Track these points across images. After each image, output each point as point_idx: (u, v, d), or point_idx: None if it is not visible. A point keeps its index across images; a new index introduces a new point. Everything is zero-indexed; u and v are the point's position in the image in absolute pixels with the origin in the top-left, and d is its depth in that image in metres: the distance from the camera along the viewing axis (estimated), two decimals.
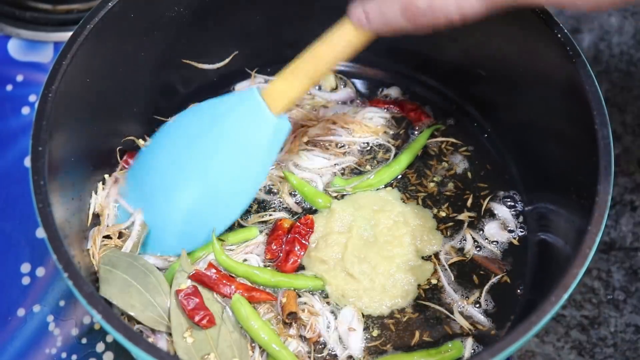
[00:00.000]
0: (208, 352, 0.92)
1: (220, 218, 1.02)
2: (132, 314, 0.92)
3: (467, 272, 1.02)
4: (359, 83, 1.20)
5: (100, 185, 1.04)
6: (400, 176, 1.10)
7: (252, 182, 1.01)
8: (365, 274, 0.99)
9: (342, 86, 1.19)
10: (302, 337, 0.96)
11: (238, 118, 0.99)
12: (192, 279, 0.96)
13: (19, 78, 1.24)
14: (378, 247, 1.02)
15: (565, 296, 0.79)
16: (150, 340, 0.92)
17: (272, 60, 1.16)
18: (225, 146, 1.00)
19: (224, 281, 0.97)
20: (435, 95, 1.17)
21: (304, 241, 1.02)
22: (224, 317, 0.95)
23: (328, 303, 0.99)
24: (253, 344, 0.95)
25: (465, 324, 0.98)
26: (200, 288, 0.96)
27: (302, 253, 1.02)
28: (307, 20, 1.11)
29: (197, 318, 0.92)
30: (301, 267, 1.02)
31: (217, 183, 1.00)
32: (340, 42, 0.91)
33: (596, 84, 0.89)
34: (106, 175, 1.06)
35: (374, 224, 1.04)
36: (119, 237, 1.01)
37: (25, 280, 1.08)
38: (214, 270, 0.97)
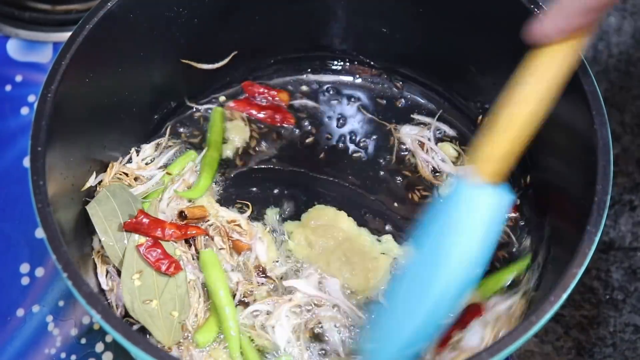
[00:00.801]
0: (151, 299, 0.93)
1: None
2: (102, 238, 0.94)
3: None
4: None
5: (134, 151, 1.07)
6: None
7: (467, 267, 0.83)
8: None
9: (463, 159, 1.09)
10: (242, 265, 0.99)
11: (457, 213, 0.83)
12: (126, 228, 0.96)
13: (18, 78, 1.24)
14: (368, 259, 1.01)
15: (565, 296, 0.79)
16: None
17: (273, 61, 1.16)
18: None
19: (156, 225, 0.97)
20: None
21: None
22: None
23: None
24: (199, 299, 0.96)
25: None
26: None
27: None
28: (307, 19, 1.11)
29: (163, 267, 0.94)
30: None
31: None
32: (544, 73, 0.79)
33: (595, 83, 0.89)
34: (146, 144, 1.09)
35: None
36: (135, 180, 1.04)
37: (25, 281, 1.08)
38: (142, 217, 0.97)
